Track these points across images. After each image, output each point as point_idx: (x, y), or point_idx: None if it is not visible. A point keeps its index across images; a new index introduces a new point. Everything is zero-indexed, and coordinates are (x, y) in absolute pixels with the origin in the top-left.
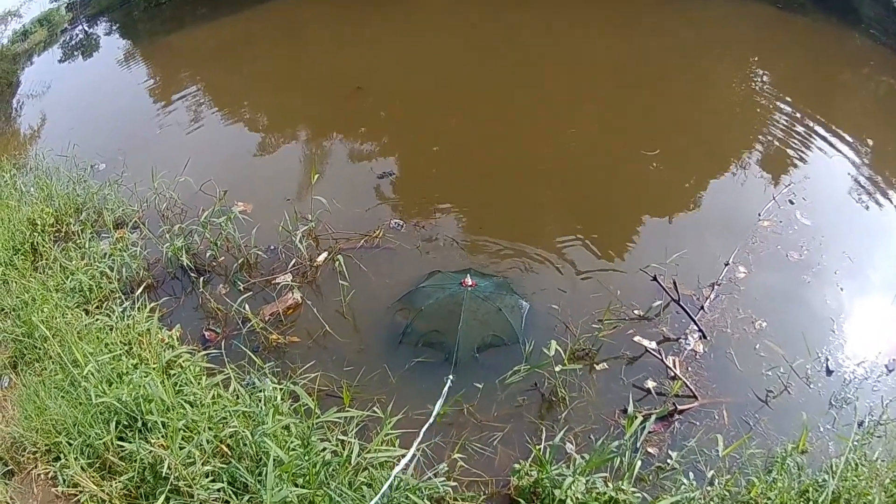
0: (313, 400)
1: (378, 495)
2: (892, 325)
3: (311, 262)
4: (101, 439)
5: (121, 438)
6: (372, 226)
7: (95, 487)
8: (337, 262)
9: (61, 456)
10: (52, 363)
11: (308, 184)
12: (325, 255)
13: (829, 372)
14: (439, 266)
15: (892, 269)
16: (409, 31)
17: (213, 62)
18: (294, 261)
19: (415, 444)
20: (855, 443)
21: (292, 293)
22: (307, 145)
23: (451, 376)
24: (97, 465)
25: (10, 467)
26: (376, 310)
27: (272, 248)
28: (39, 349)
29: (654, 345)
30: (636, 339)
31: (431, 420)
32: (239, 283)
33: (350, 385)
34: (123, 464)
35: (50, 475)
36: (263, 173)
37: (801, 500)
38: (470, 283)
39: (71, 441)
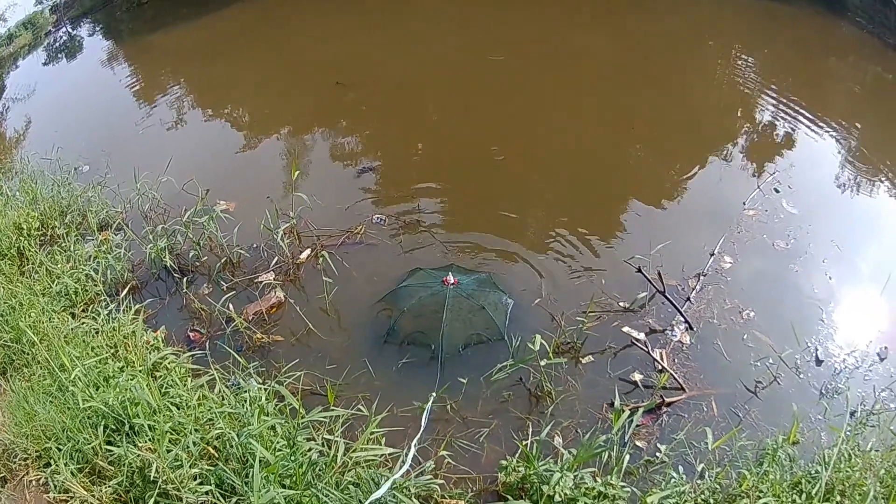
0: (298, 399)
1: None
2: (882, 313)
3: (294, 259)
4: (89, 444)
5: (109, 442)
6: (354, 222)
7: (86, 493)
8: (321, 259)
9: (52, 462)
10: (41, 368)
11: (290, 181)
12: (307, 252)
13: (818, 362)
14: (422, 262)
15: (881, 256)
16: (390, 22)
17: (195, 61)
18: (276, 259)
19: (411, 452)
20: (847, 433)
21: (275, 292)
22: (288, 142)
23: (433, 394)
24: (87, 470)
25: (2, 474)
26: (359, 307)
27: (255, 246)
28: (27, 354)
29: (642, 336)
30: (624, 329)
31: (420, 433)
32: (222, 282)
33: (334, 383)
34: (112, 468)
35: (41, 481)
36: (246, 171)
37: (794, 492)
38: (452, 281)
39: (60, 446)
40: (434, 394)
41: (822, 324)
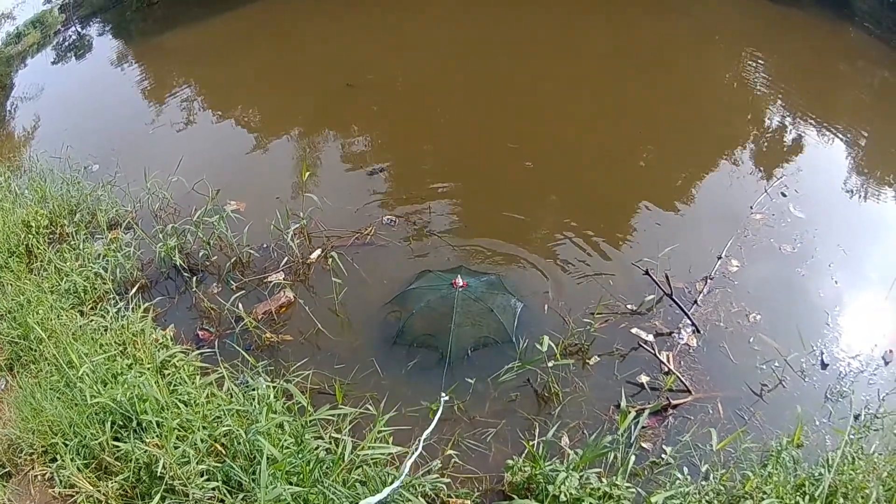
0: (306, 398)
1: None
2: (886, 318)
3: (304, 260)
4: (96, 439)
5: (116, 438)
6: (364, 223)
7: (91, 488)
8: (331, 259)
9: (58, 457)
10: (48, 365)
11: (299, 181)
12: (317, 252)
13: (824, 365)
14: (431, 263)
15: (886, 261)
16: (399, 24)
17: (205, 62)
18: (286, 259)
19: (415, 452)
20: (851, 436)
21: (285, 292)
22: (299, 143)
23: (444, 394)
24: (93, 466)
25: (7, 469)
26: (369, 307)
27: (265, 246)
28: (35, 351)
29: (650, 337)
30: (633, 330)
31: (427, 432)
32: (232, 282)
33: (343, 382)
34: (119, 464)
35: (47, 476)
36: (256, 172)
37: (797, 494)
38: (461, 284)
39: (67, 442)
40: (444, 394)
41: (827, 328)
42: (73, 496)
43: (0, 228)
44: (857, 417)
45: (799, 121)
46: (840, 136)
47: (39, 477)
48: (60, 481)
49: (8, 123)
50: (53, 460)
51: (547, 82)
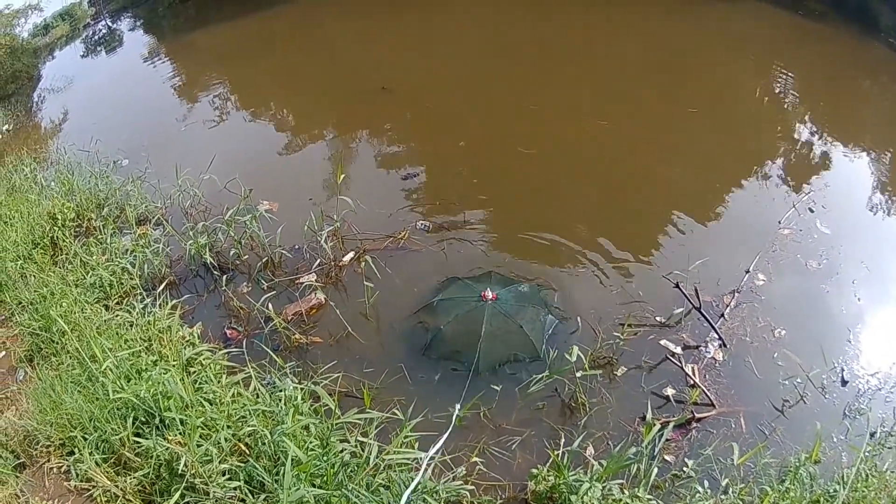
0: (334, 400)
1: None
2: None
3: (336, 262)
4: (117, 435)
5: (137, 434)
6: (397, 227)
7: (109, 482)
8: (363, 263)
9: (75, 450)
10: (70, 358)
11: (333, 184)
12: (350, 255)
13: (844, 382)
14: (464, 267)
15: None
16: (434, 29)
17: (237, 60)
18: (318, 261)
19: (432, 450)
20: (866, 454)
21: (316, 293)
22: (333, 145)
23: (458, 406)
24: (112, 461)
25: (21, 460)
26: (399, 312)
27: (297, 247)
28: (57, 343)
29: (679, 350)
30: (662, 342)
31: (444, 437)
32: (262, 281)
33: (371, 386)
34: (139, 460)
35: (63, 469)
36: (289, 172)
37: None
38: (490, 297)
39: (86, 436)
40: (458, 407)
41: (849, 344)
42: (90, 490)
43: (25, 219)
44: (872, 435)
45: (825, 136)
46: (865, 152)
47: (55, 469)
48: (77, 475)
49: (35, 115)
50: (71, 453)
51: (581, 94)
